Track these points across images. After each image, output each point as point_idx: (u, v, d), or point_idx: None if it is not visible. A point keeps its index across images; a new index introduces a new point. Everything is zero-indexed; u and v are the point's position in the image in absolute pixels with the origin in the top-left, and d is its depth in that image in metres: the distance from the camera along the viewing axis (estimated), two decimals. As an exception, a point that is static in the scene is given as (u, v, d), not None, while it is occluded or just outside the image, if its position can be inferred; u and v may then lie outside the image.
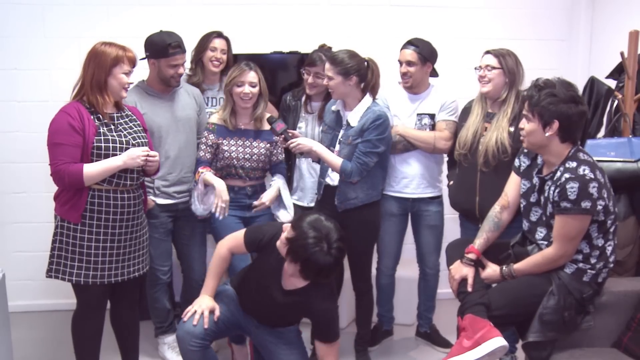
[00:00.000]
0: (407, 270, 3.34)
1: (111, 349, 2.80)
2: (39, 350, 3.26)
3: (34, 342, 3.34)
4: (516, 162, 2.47)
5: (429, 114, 2.98)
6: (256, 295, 2.44)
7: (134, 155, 2.38)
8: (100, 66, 2.38)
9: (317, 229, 2.14)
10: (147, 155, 2.42)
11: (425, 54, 2.92)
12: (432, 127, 2.99)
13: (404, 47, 2.95)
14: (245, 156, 2.87)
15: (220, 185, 2.75)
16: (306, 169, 3.11)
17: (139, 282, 2.66)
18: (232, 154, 2.85)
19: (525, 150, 2.43)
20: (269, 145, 2.92)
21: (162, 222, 2.94)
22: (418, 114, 2.98)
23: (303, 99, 3.11)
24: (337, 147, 2.82)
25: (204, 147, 2.89)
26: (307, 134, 3.05)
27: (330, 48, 3.10)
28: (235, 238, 2.46)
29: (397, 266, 3.22)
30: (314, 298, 2.34)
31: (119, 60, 2.38)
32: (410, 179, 3.01)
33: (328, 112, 2.90)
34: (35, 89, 3.57)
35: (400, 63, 2.96)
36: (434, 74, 3.04)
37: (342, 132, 2.82)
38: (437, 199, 3.08)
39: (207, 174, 2.81)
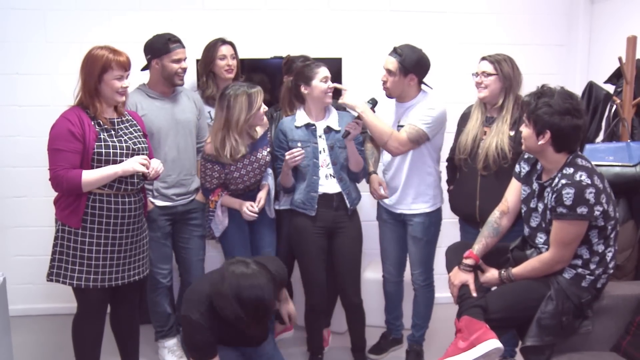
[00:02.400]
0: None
1: (111, 353, 2.80)
2: (39, 354, 3.26)
3: (35, 346, 3.34)
4: (517, 168, 2.49)
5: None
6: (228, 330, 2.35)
7: (131, 166, 2.39)
8: (90, 73, 2.39)
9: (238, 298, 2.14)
10: (146, 164, 2.43)
11: (407, 65, 2.72)
12: None
13: (390, 53, 2.79)
14: (255, 171, 2.85)
15: (242, 204, 2.82)
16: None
17: (139, 286, 2.67)
18: (244, 178, 2.83)
19: (526, 156, 2.45)
20: (269, 148, 2.91)
21: (161, 226, 2.95)
22: (399, 126, 2.85)
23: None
24: (326, 155, 2.81)
25: (208, 178, 2.83)
26: None
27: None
28: None
29: (403, 273, 3.15)
30: None
31: (107, 66, 2.38)
32: (398, 193, 2.92)
33: (289, 130, 2.82)
34: (37, 93, 3.58)
35: (384, 70, 2.82)
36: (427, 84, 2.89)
37: (323, 140, 2.81)
38: (419, 214, 2.92)
39: (225, 198, 2.85)
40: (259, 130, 2.86)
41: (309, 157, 2.80)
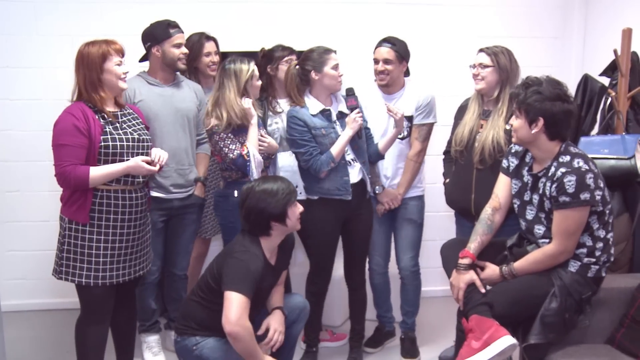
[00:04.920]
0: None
1: (107, 349, 2.78)
2: (32, 349, 3.24)
3: (28, 341, 3.32)
4: (504, 163, 2.48)
5: (405, 117, 2.93)
6: (259, 299, 2.46)
7: (138, 169, 2.38)
8: (89, 67, 2.37)
9: None
10: (151, 161, 2.41)
11: (401, 52, 2.92)
12: (409, 129, 2.99)
13: (380, 45, 2.93)
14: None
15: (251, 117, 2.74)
16: (287, 161, 3.03)
17: (137, 282, 2.66)
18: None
19: (513, 150, 2.44)
20: (263, 130, 2.89)
21: (154, 221, 2.88)
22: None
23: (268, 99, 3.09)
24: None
25: (232, 145, 2.69)
26: (284, 128, 2.96)
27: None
28: (241, 306, 2.26)
29: (388, 264, 3.20)
30: (286, 247, 2.58)
31: (106, 54, 2.37)
32: (390, 181, 3.04)
33: (308, 118, 2.76)
34: (29, 87, 3.54)
35: (377, 61, 2.92)
36: (407, 73, 3.04)
37: (339, 126, 2.80)
38: (416, 196, 3.09)
39: (249, 140, 2.72)
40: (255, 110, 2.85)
41: (335, 142, 2.76)
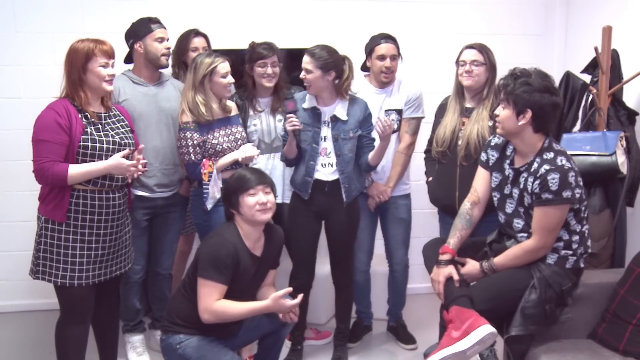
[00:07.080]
0: (383, 265, 3.34)
1: (89, 348, 2.75)
2: (14, 351, 3.20)
3: (9, 343, 3.28)
4: (483, 156, 2.50)
5: (395, 110, 3.02)
6: (245, 289, 2.47)
7: (120, 168, 2.34)
8: (73, 65, 2.34)
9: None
10: (133, 165, 2.37)
11: (398, 48, 2.98)
12: (400, 123, 3.03)
13: (385, 41, 2.95)
14: (231, 143, 2.78)
15: (239, 153, 2.72)
16: (264, 164, 3.02)
17: (119, 280, 2.63)
18: (223, 145, 2.75)
19: (492, 144, 2.46)
20: (242, 128, 2.88)
21: (138, 219, 2.88)
22: (386, 110, 2.99)
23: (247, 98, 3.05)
24: (328, 143, 2.79)
25: (191, 149, 2.69)
26: (262, 130, 3.00)
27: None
28: (211, 293, 2.31)
29: (371, 262, 3.23)
30: (273, 240, 2.56)
31: (91, 54, 2.33)
32: (379, 175, 3.06)
33: (299, 109, 2.79)
34: (7, 85, 3.47)
35: (384, 58, 2.94)
36: None
37: (328, 129, 2.78)
38: (405, 195, 3.14)
39: (218, 163, 2.71)
40: (232, 109, 2.85)
41: (308, 142, 2.78)
